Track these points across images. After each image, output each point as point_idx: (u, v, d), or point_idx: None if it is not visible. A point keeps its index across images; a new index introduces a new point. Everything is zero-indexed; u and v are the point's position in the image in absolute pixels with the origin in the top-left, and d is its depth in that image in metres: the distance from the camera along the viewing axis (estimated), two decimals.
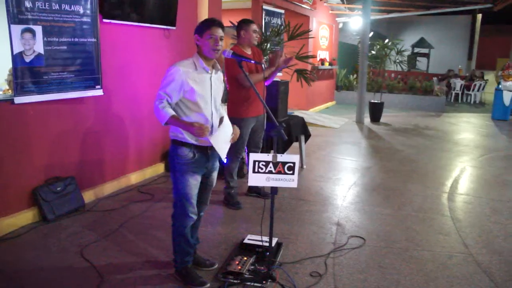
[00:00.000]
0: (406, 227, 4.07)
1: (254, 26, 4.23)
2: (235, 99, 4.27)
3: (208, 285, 2.91)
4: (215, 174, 3.03)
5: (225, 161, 3.21)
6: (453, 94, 16.65)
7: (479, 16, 22.51)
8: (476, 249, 3.67)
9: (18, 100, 3.65)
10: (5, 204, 3.71)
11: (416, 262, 3.39)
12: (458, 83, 16.62)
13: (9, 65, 3.67)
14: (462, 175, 6.00)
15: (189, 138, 2.76)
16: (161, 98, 2.66)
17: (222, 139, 2.88)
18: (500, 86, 11.93)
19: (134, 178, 5.15)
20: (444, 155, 7.24)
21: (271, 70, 4.30)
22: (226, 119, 2.98)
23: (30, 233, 3.71)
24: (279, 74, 4.65)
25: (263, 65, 3.86)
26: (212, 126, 2.84)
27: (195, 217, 2.93)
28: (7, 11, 3.45)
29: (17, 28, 3.55)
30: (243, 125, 4.28)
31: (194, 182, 2.84)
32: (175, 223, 2.94)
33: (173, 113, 2.66)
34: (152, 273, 3.09)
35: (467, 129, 10.26)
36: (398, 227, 4.08)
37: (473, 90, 16.43)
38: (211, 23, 2.75)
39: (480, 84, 16.58)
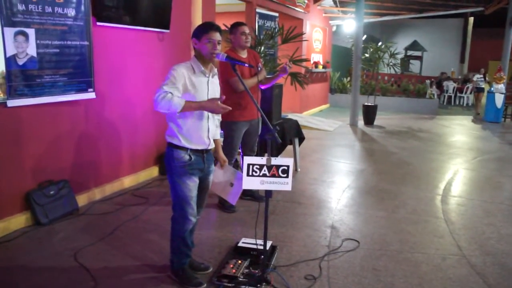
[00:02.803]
0: (400, 230, 4.09)
1: (243, 28, 4.20)
2: (228, 103, 4.26)
3: (205, 285, 2.91)
4: (211, 177, 3.04)
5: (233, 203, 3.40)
6: (446, 97, 16.75)
7: (471, 19, 22.73)
8: (470, 251, 3.69)
9: (11, 103, 3.63)
10: None
11: (410, 264, 3.40)
12: (450, 85, 16.73)
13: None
14: (455, 178, 6.03)
15: (184, 142, 2.77)
16: (163, 91, 2.58)
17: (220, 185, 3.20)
18: (492, 88, 12.02)
19: (128, 181, 5.13)
20: (437, 158, 7.28)
21: (264, 75, 4.30)
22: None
23: (23, 237, 3.68)
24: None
25: (259, 68, 3.85)
26: (208, 130, 2.86)
27: (194, 219, 2.93)
28: (0, 13, 3.43)
29: (10, 31, 3.53)
30: (235, 129, 4.29)
31: (192, 184, 2.84)
32: (175, 226, 2.93)
33: (184, 99, 2.63)
34: (147, 276, 3.08)
35: (460, 132, 10.33)
36: (392, 229, 4.10)
37: (465, 92, 16.54)
38: (209, 27, 2.77)
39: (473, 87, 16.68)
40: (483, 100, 13.05)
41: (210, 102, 2.70)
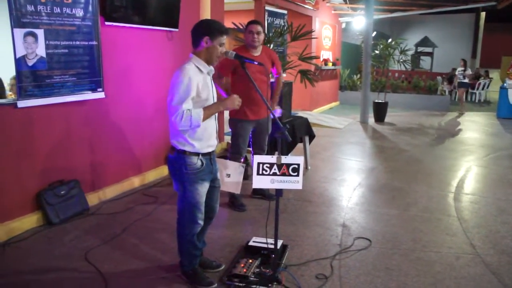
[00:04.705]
0: (412, 228, 4.04)
1: (250, 27, 4.19)
2: None
3: (216, 285, 2.90)
4: (218, 174, 3.03)
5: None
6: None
7: (483, 14, 22.40)
8: (484, 249, 3.62)
9: (21, 104, 3.65)
10: (9, 208, 3.71)
11: (423, 263, 3.35)
12: None
13: (12, 68, 3.66)
14: (468, 175, 5.95)
15: (197, 147, 2.72)
16: (180, 110, 2.53)
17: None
18: (505, 84, 11.85)
19: (138, 181, 5.14)
20: (449, 155, 7.19)
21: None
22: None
23: (35, 237, 3.70)
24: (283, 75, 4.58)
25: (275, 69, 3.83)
26: (216, 131, 2.86)
27: (202, 222, 2.91)
28: (10, 15, 3.45)
29: (19, 32, 3.54)
30: (240, 127, 4.28)
31: (204, 190, 2.82)
32: (184, 230, 2.89)
33: (201, 109, 2.62)
34: (158, 276, 3.07)
35: (472, 128, 10.19)
36: (404, 228, 4.04)
37: (477, 88, 16.35)
38: (225, 31, 2.73)
39: (485, 83, 16.47)
40: (496, 96, 12.69)
41: (229, 100, 2.74)
